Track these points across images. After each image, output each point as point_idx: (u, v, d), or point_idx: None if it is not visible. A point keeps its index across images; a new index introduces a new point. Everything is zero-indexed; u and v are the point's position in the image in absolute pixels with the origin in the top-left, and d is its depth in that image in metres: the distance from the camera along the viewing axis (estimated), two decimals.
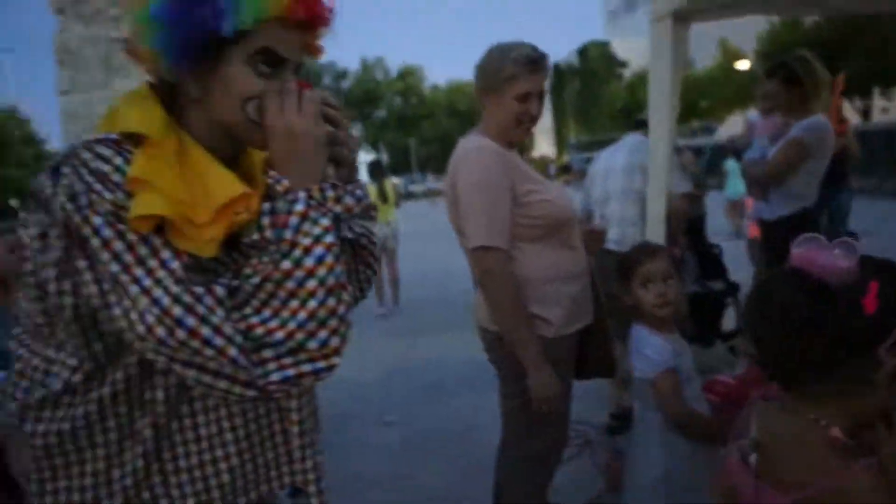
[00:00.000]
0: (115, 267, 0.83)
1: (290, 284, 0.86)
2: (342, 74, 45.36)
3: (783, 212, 3.31)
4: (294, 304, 0.86)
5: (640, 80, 34.62)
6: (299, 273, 0.86)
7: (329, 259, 0.87)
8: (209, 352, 0.82)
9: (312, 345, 0.87)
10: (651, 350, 1.76)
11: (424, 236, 12.12)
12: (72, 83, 15.52)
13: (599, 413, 3.46)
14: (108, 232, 0.83)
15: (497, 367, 1.96)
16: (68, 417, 0.94)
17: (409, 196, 36.76)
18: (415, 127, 47.64)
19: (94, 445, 0.95)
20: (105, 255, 0.83)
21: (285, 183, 0.90)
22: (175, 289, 0.83)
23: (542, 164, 36.72)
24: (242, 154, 1.03)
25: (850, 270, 0.89)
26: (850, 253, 0.90)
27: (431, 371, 4.63)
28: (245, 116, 0.91)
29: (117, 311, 0.84)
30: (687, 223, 3.79)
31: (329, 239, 0.88)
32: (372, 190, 7.02)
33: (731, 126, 24.23)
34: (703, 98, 33.15)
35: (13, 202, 43.62)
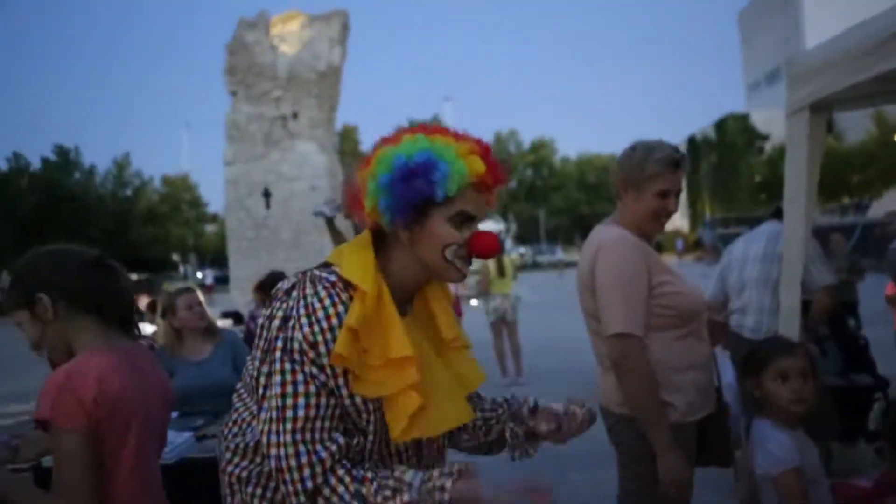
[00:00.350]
0: (275, 392, 1.08)
1: None
2: None
3: None
4: None
5: (781, 153, 32.90)
6: None
7: None
8: None
9: None
10: (777, 446, 1.74)
11: (551, 307, 12.13)
12: (236, 155, 17.33)
13: None
14: (285, 363, 1.08)
15: (620, 450, 2.03)
16: (252, 469, 1.21)
17: (536, 266, 36.78)
18: (544, 198, 48.02)
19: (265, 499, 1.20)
20: (273, 378, 1.09)
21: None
22: (301, 446, 1.06)
23: (671, 238, 35.51)
24: (421, 290, 1.28)
25: None
26: None
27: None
28: (443, 258, 1.17)
29: (259, 426, 1.11)
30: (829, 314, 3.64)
31: None
32: (490, 265, 7.28)
33: (889, 202, 22.22)
34: (853, 173, 30.84)
35: (175, 256, 48.78)
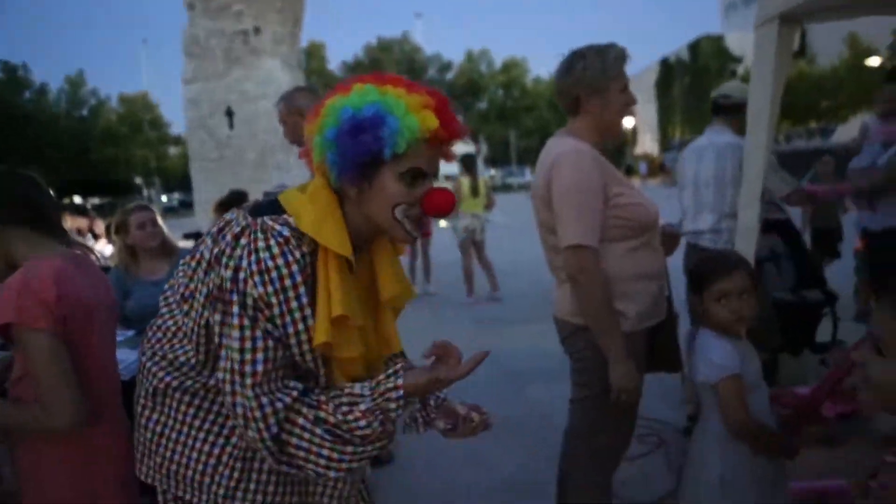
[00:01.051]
0: (233, 346, 1.09)
1: (338, 432, 1.11)
2: (447, 66, 45.86)
3: (891, 223, 3.18)
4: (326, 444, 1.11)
5: None
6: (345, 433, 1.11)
7: (358, 444, 1.12)
8: (266, 441, 1.10)
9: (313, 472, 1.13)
10: (717, 354, 1.77)
11: (520, 229, 12.18)
12: (196, 73, 16.65)
13: (678, 415, 3.47)
14: (244, 318, 1.08)
15: (574, 358, 2.07)
16: (182, 381, 1.23)
17: (507, 188, 36.76)
18: (515, 119, 47.46)
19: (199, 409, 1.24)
20: (230, 332, 1.09)
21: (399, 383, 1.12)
22: (264, 398, 1.09)
23: (639, 162, 35.59)
24: (372, 243, 1.26)
25: None
26: None
27: (517, 359, 4.77)
28: (392, 216, 1.14)
29: (220, 374, 1.12)
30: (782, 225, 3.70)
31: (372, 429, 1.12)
32: (465, 183, 7.23)
33: (854, 128, 22.50)
34: (824, 97, 30.98)
35: (138, 179, 47.52)
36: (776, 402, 1.90)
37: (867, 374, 1.01)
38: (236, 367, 1.08)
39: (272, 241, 1.07)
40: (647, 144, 48.29)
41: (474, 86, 45.43)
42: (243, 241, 1.08)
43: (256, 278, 1.06)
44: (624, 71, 2.00)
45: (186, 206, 27.06)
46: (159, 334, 1.25)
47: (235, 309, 1.07)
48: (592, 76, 1.96)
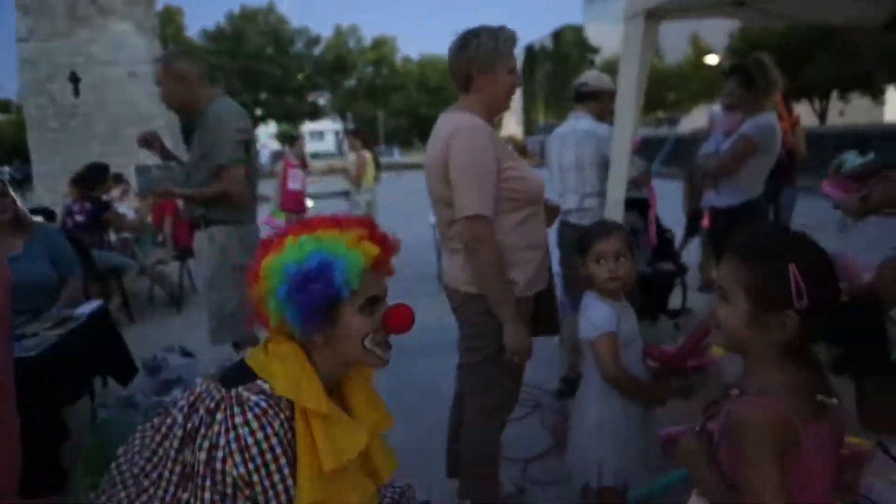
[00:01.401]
0: None
1: None
2: (315, 40, 44.52)
3: (731, 202, 3.60)
4: None
5: (611, 66, 35.04)
6: None
7: None
8: None
9: None
10: (596, 315, 1.98)
11: (390, 208, 12.25)
12: (32, 30, 14.99)
13: (551, 380, 3.74)
14: (214, 496, 1.06)
15: (466, 325, 2.18)
16: None
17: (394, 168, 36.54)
18: (384, 98, 47.16)
19: None
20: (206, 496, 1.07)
21: None
22: None
23: (508, 143, 36.78)
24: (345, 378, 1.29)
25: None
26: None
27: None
28: (363, 348, 1.18)
29: None
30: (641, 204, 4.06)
31: None
32: (369, 157, 7.20)
33: (696, 118, 24.76)
34: (670, 90, 33.73)
35: None
36: (648, 357, 2.13)
37: (716, 319, 1.20)
38: None
39: (250, 416, 1.07)
40: (512, 127, 50.06)
41: (342, 62, 44.52)
42: (219, 416, 1.08)
43: (237, 457, 1.05)
44: (513, 53, 2.11)
45: (21, 181, 24.31)
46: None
47: (207, 495, 1.07)
48: (485, 55, 2.05)
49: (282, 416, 1.10)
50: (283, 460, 1.08)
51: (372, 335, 1.18)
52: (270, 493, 1.08)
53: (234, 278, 3.05)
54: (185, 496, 1.09)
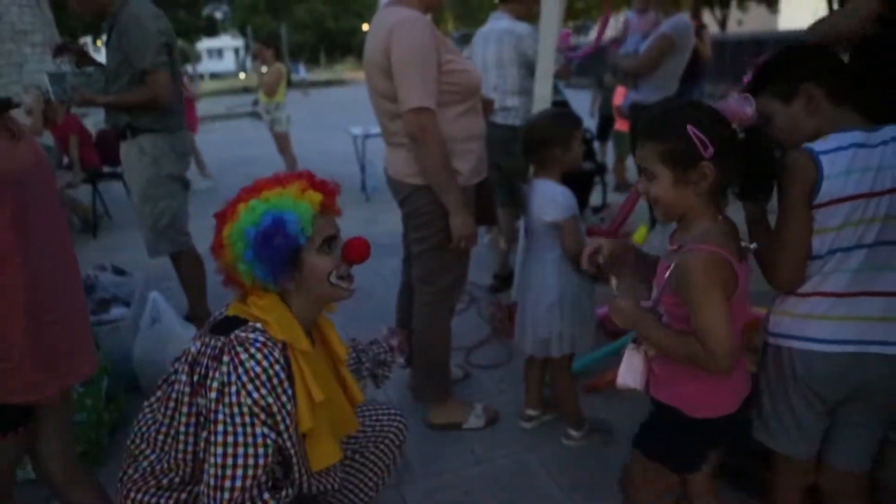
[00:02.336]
0: (216, 461, 1.18)
1: None
2: None
3: (652, 99, 3.80)
4: None
5: None
6: None
7: None
8: None
9: None
10: (563, 198, 2.12)
11: (307, 124, 11.92)
12: None
13: (483, 276, 3.93)
14: (234, 427, 1.17)
15: (412, 216, 2.27)
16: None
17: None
18: (287, 11, 44.49)
19: None
20: (214, 448, 1.18)
21: None
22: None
23: None
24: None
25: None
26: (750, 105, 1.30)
27: None
28: (330, 285, 1.32)
29: (201, 487, 1.20)
30: (561, 106, 4.20)
31: None
32: (283, 68, 6.87)
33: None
34: None
35: None
36: (589, 234, 2.32)
37: (651, 197, 1.36)
38: (217, 481, 1.17)
39: (252, 350, 1.18)
40: None
41: None
42: (225, 358, 1.18)
43: (249, 386, 1.16)
44: None
45: None
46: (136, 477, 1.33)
47: (219, 428, 1.16)
48: None
49: (279, 347, 1.23)
50: (286, 384, 1.22)
51: (335, 271, 1.31)
52: (284, 412, 1.21)
53: (169, 188, 2.99)
54: (204, 433, 1.21)
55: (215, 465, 1.17)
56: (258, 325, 1.24)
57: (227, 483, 1.16)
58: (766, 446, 1.53)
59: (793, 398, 1.43)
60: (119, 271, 3.42)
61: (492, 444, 2.38)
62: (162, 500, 1.30)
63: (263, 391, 1.17)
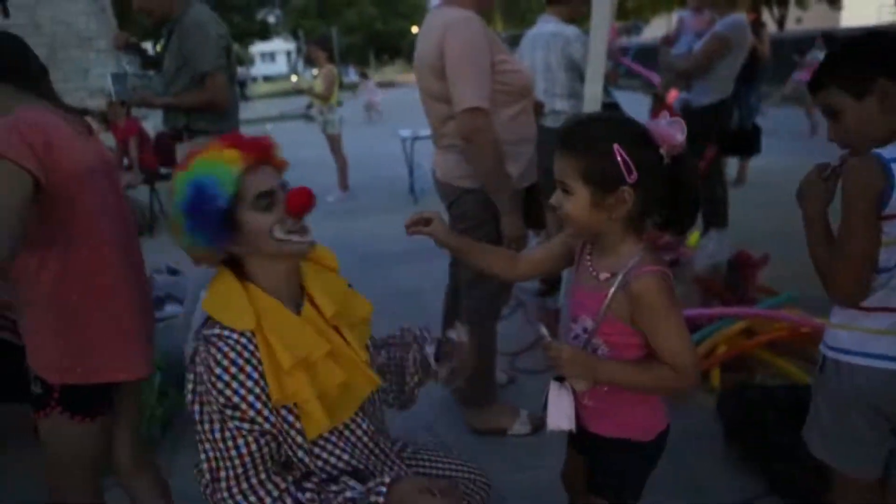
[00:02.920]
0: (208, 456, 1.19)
1: None
2: None
3: (704, 101, 3.69)
4: None
5: None
6: None
7: None
8: None
9: None
10: None
11: (357, 125, 12.08)
12: None
13: (530, 282, 3.89)
14: (207, 425, 1.18)
15: (461, 219, 2.25)
16: None
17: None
18: (337, 15, 45.19)
19: None
20: (202, 446, 1.19)
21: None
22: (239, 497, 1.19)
23: None
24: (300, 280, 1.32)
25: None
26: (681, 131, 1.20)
27: (373, 244, 4.95)
28: (276, 240, 1.21)
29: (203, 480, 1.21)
30: (612, 109, 4.12)
31: None
32: (336, 71, 6.92)
33: (656, 28, 24.44)
34: None
35: None
36: None
37: (563, 213, 1.26)
38: (211, 476, 1.19)
39: (211, 347, 1.15)
40: None
41: None
42: (197, 359, 1.18)
43: (219, 385, 1.14)
44: None
45: None
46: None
47: (199, 427, 1.18)
48: None
49: (236, 334, 1.17)
50: (249, 367, 1.16)
51: (278, 225, 1.21)
52: (250, 397, 1.16)
53: None
54: (197, 433, 1.22)
55: (206, 460, 1.20)
56: (216, 320, 1.21)
57: (221, 475, 1.18)
58: (827, 464, 1.46)
59: (855, 416, 1.36)
60: (173, 271, 3.53)
61: (536, 453, 2.35)
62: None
63: (220, 385, 1.14)
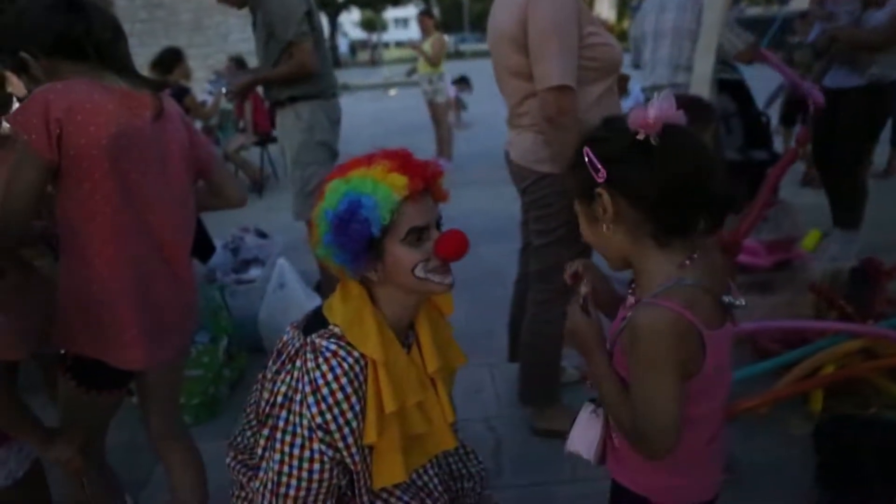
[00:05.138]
0: (273, 467, 1.14)
1: None
2: None
3: (892, 76, 3.38)
4: None
5: None
6: None
7: None
8: None
9: None
10: None
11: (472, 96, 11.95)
12: None
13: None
14: (288, 437, 1.12)
15: (537, 206, 2.08)
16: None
17: (459, 55, 35.38)
18: None
19: None
20: (272, 453, 1.14)
21: None
22: None
23: None
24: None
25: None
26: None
27: (474, 218, 4.82)
28: (416, 278, 1.14)
29: (256, 484, 1.18)
30: (734, 86, 3.71)
31: None
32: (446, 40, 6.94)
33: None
34: None
35: None
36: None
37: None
38: (270, 486, 1.14)
39: (321, 360, 1.11)
40: (605, 11, 46.67)
41: None
42: (298, 363, 1.13)
43: (310, 399, 1.10)
44: None
45: None
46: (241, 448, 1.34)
47: (278, 435, 1.12)
48: None
49: (354, 355, 1.13)
50: (354, 399, 1.12)
51: (422, 263, 1.14)
52: (346, 430, 1.12)
53: (319, 154, 3.11)
54: (265, 431, 1.17)
55: (272, 470, 1.14)
56: (337, 329, 1.15)
57: (282, 490, 1.13)
58: None
59: None
60: (261, 234, 3.61)
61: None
62: (244, 479, 1.29)
63: (323, 406, 1.10)
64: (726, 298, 1.01)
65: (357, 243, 1.10)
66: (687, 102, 1.94)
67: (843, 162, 3.60)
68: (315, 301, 2.91)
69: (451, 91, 9.24)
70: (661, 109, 0.93)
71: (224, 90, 3.49)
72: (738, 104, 3.89)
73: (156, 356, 1.49)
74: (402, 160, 1.15)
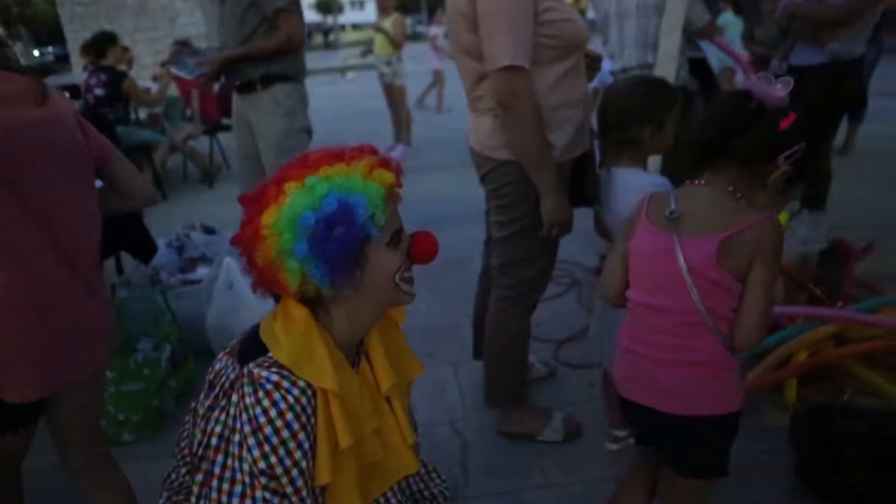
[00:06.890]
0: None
1: None
2: None
3: (858, 51, 3.32)
4: None
5: None
6: None
7: None
8: None
9: None
10: (656, 188, 1.69)
11: (416, 76, 11.73)
12: None
13: (589, 255, 3.53)
14: (226, 485, 0.96)
15: (496, 195, 1.93)
16: None
17: (416, 37, 34.90)
18: None
19: None
20: (212, 494, 0.97)
21: None
22: None
23: None
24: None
25: (782, 99, 1.22)
26: (785, 88, 1.22)
27: (434, 205, 4.67)
28: (393, 286, 1.03)
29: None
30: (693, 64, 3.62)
31: None
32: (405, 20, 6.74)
33: None
34: None
35: None
36: None
37: None
38: None
39: (261, 393, 0.94)
40: None
41: None
42: (234, 397, 0.96)
43: (250, 440, 0.93)
44: None
45: (64, 59, 24.03)
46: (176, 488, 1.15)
47: (214, 483, 0.96)
48: None
49: (299, 385, 0.96)
50: (301, 436, 0.95)
51: (402, 269, 1.04)
52: (294, 472, 0.95)
53: (301, 140, 2.86)
54: (199, 477, 0.99)
55: None
56: (274, 355, 0.98)
57: None
58: None
59: None
60: (209, 230, 3.40)
61: (567, 465, 2.05)
62: None
63: (266, 448, 0.93)
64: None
65: (345, 250, 0.94)
66: (651, 84, 1.84)
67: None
68: (267, 302, 2.73)
69: (437, 61, 9.01)
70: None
71: (198, 75, 3.09)
72: (700, 82, 3.82)
73: (64, 378, 1.31)
74: (378, 155, 1.02)
